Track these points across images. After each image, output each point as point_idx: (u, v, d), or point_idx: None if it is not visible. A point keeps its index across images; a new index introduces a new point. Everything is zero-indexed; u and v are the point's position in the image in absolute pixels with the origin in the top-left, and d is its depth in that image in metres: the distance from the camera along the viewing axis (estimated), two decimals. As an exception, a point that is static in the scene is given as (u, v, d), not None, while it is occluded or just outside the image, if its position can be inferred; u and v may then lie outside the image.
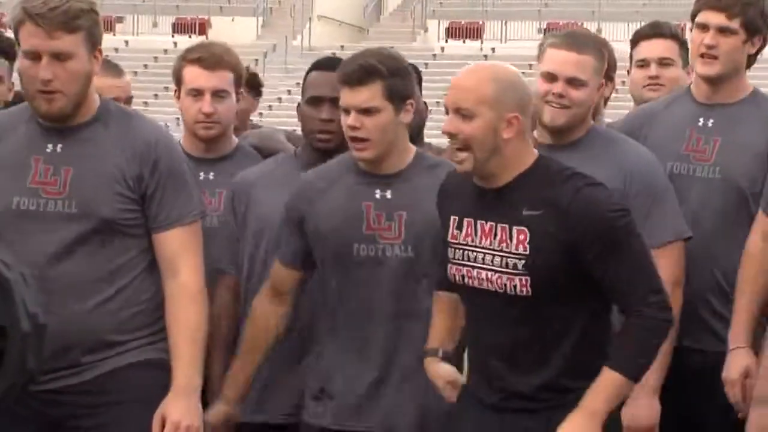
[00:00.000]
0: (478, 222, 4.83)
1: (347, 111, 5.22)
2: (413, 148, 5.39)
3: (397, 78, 5.27)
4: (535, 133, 5.53)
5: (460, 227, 4.88)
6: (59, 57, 4.98)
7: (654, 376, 5.35)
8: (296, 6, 43.87)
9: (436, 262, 5.11)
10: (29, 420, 5.04)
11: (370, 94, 5.20)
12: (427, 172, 5.35)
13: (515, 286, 4.74)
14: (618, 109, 7.88)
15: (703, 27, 5.84)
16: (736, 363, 5.46)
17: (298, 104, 5.71)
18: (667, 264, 5.40)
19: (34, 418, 5.04)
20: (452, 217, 4.91)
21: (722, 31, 5.69)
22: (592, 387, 4.66)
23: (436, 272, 5.12)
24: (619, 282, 4.72)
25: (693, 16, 5.94)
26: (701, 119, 5.84)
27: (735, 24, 5.73)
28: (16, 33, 5.06)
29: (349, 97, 5.21)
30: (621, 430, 4.92)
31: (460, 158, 4.81)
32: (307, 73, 5.79)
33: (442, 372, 5.02)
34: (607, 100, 6.10)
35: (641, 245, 4.79)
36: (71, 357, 5.04)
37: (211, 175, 5.65)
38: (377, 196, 5.29)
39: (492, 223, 4.80)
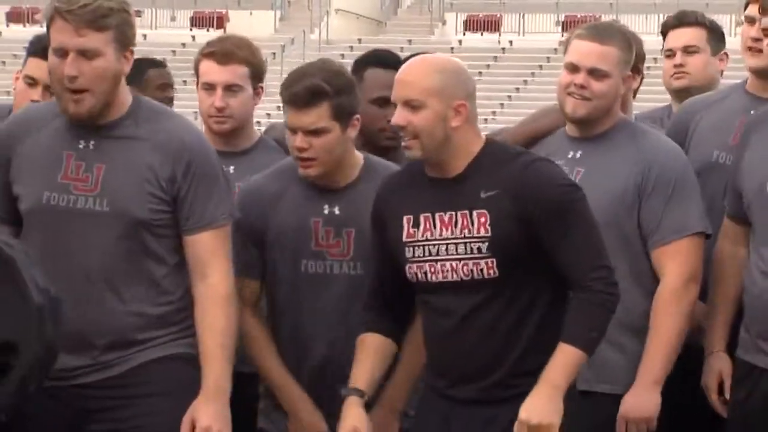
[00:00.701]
0: (437, 214, 4.88)
1: (294, 131, 5.25)
2: (361, 159, 5.41)
3: (343, 96, 5.29)
4: (566, 127, 5.57)
5: (416, 224, 4.92)
6: (86, 54, 4.97)
7: (658, 369, 5.35)
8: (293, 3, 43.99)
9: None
10: (61, 415, 5.04)
11: (317, 116, 5.23)
12: (376, 182, 5.33)
13: (482, 270, 4.82)
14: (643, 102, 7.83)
15: (751, 20, 5.88)
16: (713, 368, 5.49)
17: None
18: (680, 259, 5.42)
19: (66, 413, 5.04)
20: (405, 217, 4.93)
21: None
22: (551, 362, 4.74)
23: (364, 309, 5.15)
24: (566, 254, 4.80)
25: (744, 9, 6.04)
26: (752, 111, 5.78)
27: None
28: (48, 30, 5.07)
29: (295, 119, 5.25)
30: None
31: (409, 145, 4.86)
32: (364, 68, 5.84)
33: (359, 420, 4.99)
34: (635, 92, 6.03)
35: (589, 220, 4.88)
36: (99, 352, 5.05)
37: (231, 169, 5.59)
38: (326, 211, 5.33)
39: (451, 212, 4.86)
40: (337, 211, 5.30)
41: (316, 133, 5.21)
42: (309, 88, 5.21)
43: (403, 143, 4.88)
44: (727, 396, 5.46)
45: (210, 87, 5.75)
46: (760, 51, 5.71)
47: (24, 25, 42.57)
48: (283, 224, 5.34)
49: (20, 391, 4.74)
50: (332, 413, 5.19)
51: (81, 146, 5.09)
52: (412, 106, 4.81)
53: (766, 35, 5.48)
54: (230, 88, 5.74)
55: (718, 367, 5.50)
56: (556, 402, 4.71)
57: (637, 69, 5.80)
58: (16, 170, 5.12)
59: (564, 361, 4.73)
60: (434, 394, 4.97)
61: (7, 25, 44.28)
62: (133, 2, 5.12)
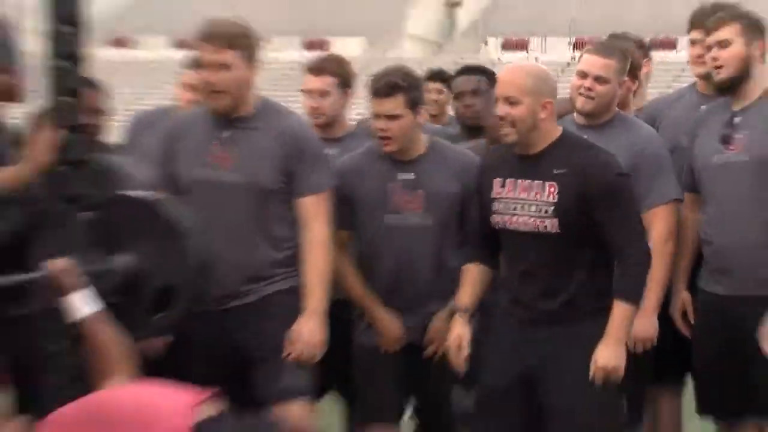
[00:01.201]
0: (518, 180, 4.83)
1: (377, 116, 5.26)
2: (426, 139, 5.40)
3: (414, 91, 5.30)
4: (574, 115, 5.52)
5: (503, 186, 4.87)
6: (221, 67, 5.01)
7: (653, 300, 5.30)
8: (391, 27, 43.84)
9: (453, 229, 5.23)
10: (211, 332, 5.07)
11: (394, 105, 5.23)
12: (438, 154, 5.37)
13: (546, 226, 4.76)
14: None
15: (693, 42, 5.85)
16: (678, 301, 5.46)
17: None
18: (664, 219, 5.39)
19: (214, 330, 5.07)
20: (495, 180, 4.89)
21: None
22: (612, 319, 4.71)
23: (467, 246, 5.15)
24: (612, 227, 4.74)
25: (688, 33, 5.90)
26: (701, 107, 5.72)
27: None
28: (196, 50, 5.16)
29: (378, 106, 5.26)
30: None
31: (507, 132, 4.82)
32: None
33: (463, 336, 4.96)
34: (635, 92, 5.90)
35: (632, 202, 4.84)
36: (239, 287, 5.07)
37: (330, 151, 5.50)
38: (401, 178, 5.30)
39: (529, 180, 4.81)
40: (411, 176, 5.26)
41: (393, 117, 5.21)
42: (388, 83, 5.22)
43: (502, 130, 4.84)
44: (691, 320, 5.44)
45: (308, 92, 5.70)
46: (704, 62, 5.57)
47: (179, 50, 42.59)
48: (369, 188, 5.31)
49: (180, 318, 4.79)
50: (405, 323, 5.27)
51: (223, 136, 5.11)
52: (510, 101, 4.78)
53: (707, 50, 5.38)
54: (321, 94, 5.68)
55: (681, 299, 5.46)
56: (620, 351, 4.72)
57: (633, 75, 5.74)
58: (178, 155, 5.14)
59: (621, 317, 4.71)
60: (508, 316, 4.94)
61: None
62: (264, 32, 5.13)
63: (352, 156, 5.50)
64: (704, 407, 5.54)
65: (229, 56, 5.01)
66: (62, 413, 4.19)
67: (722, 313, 5.26)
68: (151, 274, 4.66)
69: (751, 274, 5.13)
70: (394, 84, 5.24)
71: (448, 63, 19.14)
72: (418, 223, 5.27)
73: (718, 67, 5.30)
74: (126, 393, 4.27)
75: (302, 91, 5.75)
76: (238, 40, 5.05)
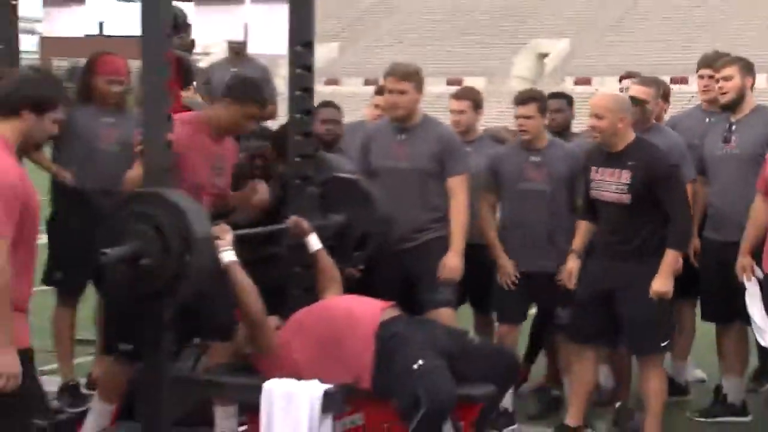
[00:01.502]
0: (606, 168, 4.74)
1: (518, 117, 5.14)
2: (548, 136, 5.21)
3: (543, 102, 5.18)
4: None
5: (597, 172, 4.77)
6: (401, 93, 4.97)
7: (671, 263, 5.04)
8: (502, 70, 43.23)
9: (571, 199, 5.04)
10: (394, 270, 4.98)
11: (528, 110, 5.09)
12: (558, 148, 5.20)
13: (621, 198, 4.67)
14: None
15: (701, 76, 5.67)
16: (692, 243, 5.21)
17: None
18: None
19: (394, 266, 4.98)
20: (592, 168, 4.80)
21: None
22: (665, 260, 4.61)
23: (581, 208, 4.98)
24: (667, 201, 4.63)
25: (697, 71, 5.70)
26: (706, 119, 5.59)
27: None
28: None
29: (519, 110, 5.13)
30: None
31: (596, 137, 4.77)
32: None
33: (574, 268, 4.88)
34: (665, 110, 5.77)
35: (681, 185, 4.76)
36: (409, 234, 4.99)
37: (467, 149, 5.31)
38: (531, 159, 5.14)
39: (612, 169, 4.71)
40: (538, 158, 5.12)
41: (528, 118, 5.11)
42: (527, 95, 5.19)
43: (593, 135, 4.80)
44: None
45: (453, 111, 5.48)
46: (709, 90, 5.51)
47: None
48: (506, 168, 5.18)
49: (372, 255, 4.76)
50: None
51: (398, 138, 5.04)
52: (598, 117, 4.70)
53: (716, 82, 5.25)
54: (461, 112, 5.45)
55: (694, 242, 5.26)
56: (671, 281, 4.65)
57: (665, 98, 5.65)
58: (371, 151, 5.08)
59: (671, 259, 4.64)
60: (605, 253, 4.82)
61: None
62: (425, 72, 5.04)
63: (499, 148, 5.41)
64: (705, 314, 5.45)
65: (406, 86, 4.96)
66: (298, 314, 4.25)
67: (718, 251, 5.14)
68: (353, 227, 4.68)
69: (737, 227, 4.98)
70: (531, 96, 5.16)
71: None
72: (540, 189, 5.12)
73: (723, 93, 5.19)
74: (337, 301, 4.31)
75: (450, 110, 5.59)
76: (412, 76, 4.99)
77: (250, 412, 4.34)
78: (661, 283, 4.62)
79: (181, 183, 4.01)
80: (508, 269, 5.15)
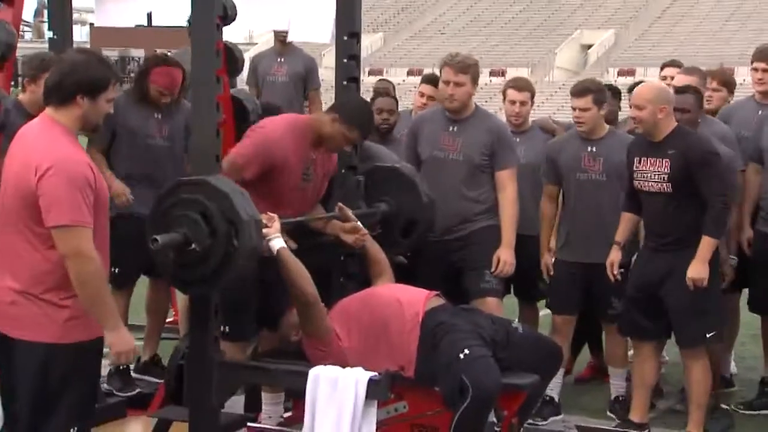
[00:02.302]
0: (648, 158, 4.68)
1: (575, 108, 5.04)
2: (606, 127, 5.13)
3: (600, 94, 5.03)
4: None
5: (639, 162, 4.71)
6: (458, 84, 4.92)
7: (734, 250, 5.09)
8: (546, 61, 42.92)
9: (621, 186, 4.93)
10: (440, 259, 4.97)
11: (585, 102, 4.99)
12: (616, 138, 5.10)
13: (663, 187, 4.62)
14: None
15: (755, 69, 5.45)
16: (744, 234, 5.17)
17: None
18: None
19: (436, 254, 4.96)
20: (635, 158, 4.73)
21: None
22: (700, 247, 4.54)
23: (624, 198, 4.90)
24: (705, 187, 4.56)
25: (751, 64, 5.52)
26: (759, 111, 5.47)
27: None
28: (440, 71, 5.01)
29: (575, 101, 5.05)
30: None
31: (637, 127, 4.74)
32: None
33: (616, 259, 4.83)
34: (729, 101, 5.66)
35: (720, 171, 4.62)
36: (456, 224, 4.98)
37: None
38: (588, 149, 5.05)
39: (653, 158, 4.66)
40: (594, 149, 5.04)
41: (585, 110, 5.01)
42: (583, 87, 5.07)
43: (634, 125, 4.79)
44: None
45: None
46: (764, 83, 5.40)
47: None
48: (563, 159, 5.12)
49: (419, 242, 4.75)
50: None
51: (450, 129, 5.01)
52: (638, 107, 4.65)
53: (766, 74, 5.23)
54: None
55: (747, 233, 5.24)
56: (705, 267, 4.56)
57: (730, 89, 5.63)
58: (420, 139, 5.05)
59: (707, 247, 4.56)
60: (648, 245, 4.80)
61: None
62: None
63: (557, 138, 5.32)
64: (753, 306, 5.41)
65: (463, 78, 4.91)
66: (344, 303, 4.24)
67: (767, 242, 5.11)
68: (398, 214, 4.67)
69: None
70: (587, 88, 5.07)
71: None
72: (598, 180, 5.05)
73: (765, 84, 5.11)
74: (383, 290, 4.31)
75: (509, 101, 5.41)
76: (470, 68, 4.94)
77: (295, 398, 4.37)
78: (695, 270, 4.54)
79: (272, 184, 4.11)
80: (546, 266, 5.15)
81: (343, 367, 3.84)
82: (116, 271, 4.97)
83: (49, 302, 3.08)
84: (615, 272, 4.83)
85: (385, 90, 6.05)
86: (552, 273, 5.13)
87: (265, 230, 3.88)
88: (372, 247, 4.45)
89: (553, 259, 5.13)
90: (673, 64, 6.08)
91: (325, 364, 3.88)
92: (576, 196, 5.09)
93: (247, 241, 3.59)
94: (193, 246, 3.57)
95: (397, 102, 5.69)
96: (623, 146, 4.99)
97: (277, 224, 3.99)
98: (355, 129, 4.22)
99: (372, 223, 4.56)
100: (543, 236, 5.16)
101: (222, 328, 4.06)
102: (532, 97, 5.44)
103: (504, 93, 5.47)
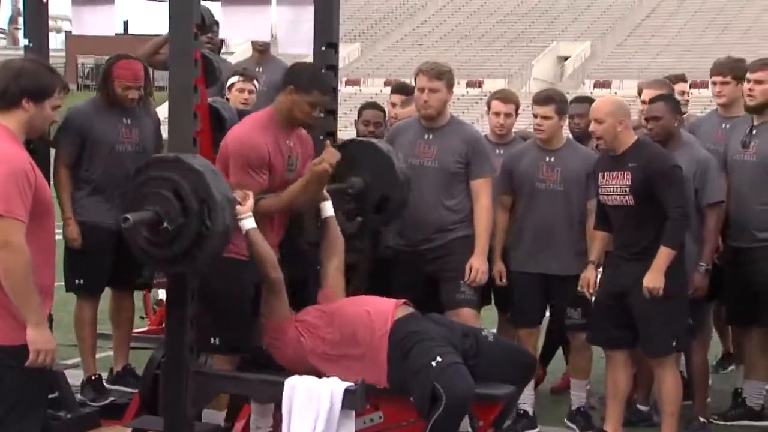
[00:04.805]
0: (611, 172, 4.73)
1: (536, 116, 5.07)
2: (564, 138, 5.17)
3: (564, 104, 5.14)
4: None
5: (603, 177, 4.76)
6: (432, 91, 4.92)
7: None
8: (522, 72, 43.07)
9: (576, 197, 5.01)
10: (416, 269, 4.98)
11: (547, 110, 5.04)
12: (573, 149, 5.16)
13: (625, 200, 4.67)
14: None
15: (747, 80, 5.19)
16: (588, 274, 5.08)
17: None
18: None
19: (412, 263, 4.97)
20: (600, 172, 4.79)
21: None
22: (657, 257, 4.58)
23: (596, 218, 4.92)
24: (666, 199, 4.59)
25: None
26: (723, 125, 5.43)
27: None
28: (415, 80, 5.00)
29: (537, 109, 5.07)
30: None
31: (598, 142, 4.78)
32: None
33: (592, 277, 4.89)
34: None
35: (679, 185, 4.66)
36: (432, 234, 4.97)
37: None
38: (546, 159, 5.08)
39: (615, 171, 4.70)
40: (552, 159, 5.07)
41: (546, 119, 5.06)
42: (545, 96, 5.12)
43: (595, 140, 4.83)
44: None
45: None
46: (723, 95, 5.37)
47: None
48: (522, 168, 5.14)
49: (388, 219, 4.68)
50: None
51: (425, 137, 5.01)
52: (598, 121, 4.69)
53: (748, 83, 5.11)
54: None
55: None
56: (661, 277, 4.58)
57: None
58: (395, 147, 4.93)
59: (662, 256, 4.59)
60: (613, 256, 4.84)
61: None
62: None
63: (514, 149, 5.32)
64: (729, 318, 5.48)
65: (438, 84, 4.91)
66: (310, 316, 4.17)
67: (736, 254, 5.14)
68: (372, 189, 4.59)
69: (752, 231, 5.04)
70: (550, 96, 5.09)
71: (560, 95, 18.28)
72: (555, 189, 5.08)
73: (751, 96, 5.08)
74: (351, 303, 4.25)
75: (494, 113, 5.40)
76: (444, 75, 4.93)
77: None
78: (650, 279, 4.57)
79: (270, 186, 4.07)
80: (500, 273, 5.15)
81: (302, 362, 3.88)
82: (81, 282, 4.99)
83: None
84: (591, 291, 4.86)
85: (372, 102, 6.06)
86: (504, 280, 5.14)
87: (238, 207, 3.86)
88: (332, 227, 4.36)
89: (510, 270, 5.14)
90: (681, 78, 6.10)
91: (283, 356, 3.94)
92: (532, 206, 5.12)
93: (220, 220, 3.55)
94: (165, 224, 3.53)
95: (384, 114, 5.70)
96: (580, 157, 5.05)
97: (250, 201, 3.96)
98: (313, 90, 4.13)
99: (345, 197, 4.50)
100: (496, 246, 5.15)
101: (212, 340, 4.04)
102: (517, 109, 5.45)
103: (489, 104, 5.48)
